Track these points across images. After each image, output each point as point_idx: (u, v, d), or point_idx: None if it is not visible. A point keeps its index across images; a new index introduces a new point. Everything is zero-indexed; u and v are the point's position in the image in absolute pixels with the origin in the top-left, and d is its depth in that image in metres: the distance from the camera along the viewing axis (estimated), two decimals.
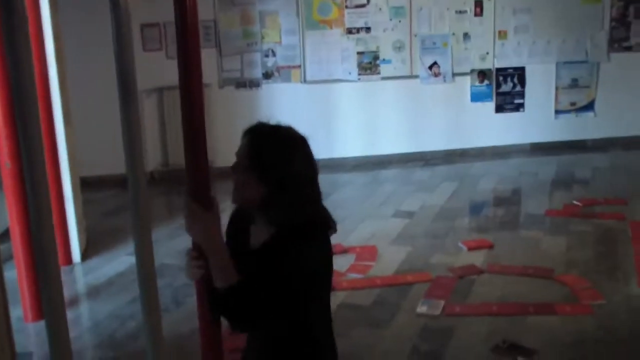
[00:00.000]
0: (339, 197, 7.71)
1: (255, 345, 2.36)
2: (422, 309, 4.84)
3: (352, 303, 5.00)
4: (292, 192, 2.14)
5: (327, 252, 2.24)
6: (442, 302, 4.92)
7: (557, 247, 6.03)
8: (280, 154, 2.15)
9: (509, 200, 7.72)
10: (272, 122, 2.25)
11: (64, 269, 5.83)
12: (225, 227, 2.29)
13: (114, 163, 6.88)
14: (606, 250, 5.96)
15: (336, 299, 5.05)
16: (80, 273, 5.88)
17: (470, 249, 6.01)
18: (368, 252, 5.96)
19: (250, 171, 2.15)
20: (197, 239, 2.14)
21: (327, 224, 2.24)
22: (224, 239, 2.21)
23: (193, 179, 2.18)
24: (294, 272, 2.10)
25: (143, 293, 2.73)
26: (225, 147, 9.05)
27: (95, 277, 5.72)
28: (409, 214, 7.10)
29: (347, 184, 8.44)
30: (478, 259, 5.77)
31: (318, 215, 2.23)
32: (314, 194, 2.23)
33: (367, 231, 6.50)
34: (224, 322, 2.13)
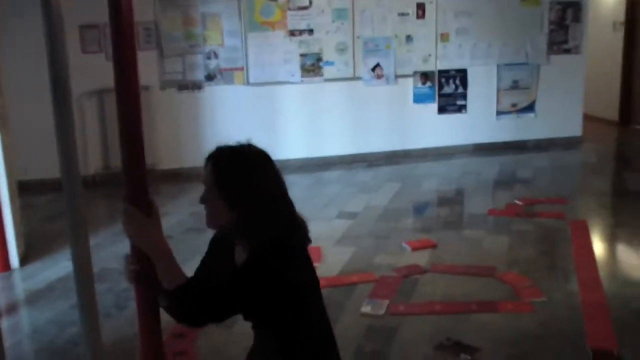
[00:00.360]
0: None
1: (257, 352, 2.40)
2: (366, 308, 4.84)
3: None
4: (262, 211, 2.17)
5: (304, 265, 2.26)
6: (386, 302, 4.93)
7: (499, 246, 6.11)
8: (244, 177, 2.17)
9: (452, 201, 7.80)
10: (232, 142, 2.26)
11: (1, 275, 5.70)
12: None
13: (54, 166, 6.74)
14: (547, 248, 6.07)
15: None
16: (19, 279, 5.73)
17: (414, 249, 6.04)
18: (312, 253, 5.85)
19: (218, 199, 2.16)
20: (136, 242, 2.12)
21: (302, 236, 2.27)
22: (167, 241, 2.18)
23: (130, 182, 2.14)
24: (266, 285, 2.11)
25: (81, 299, 2.67)
26: (168, 149, 9.00)
27: (35, 282, 5.58)
28: (353, 215, 7.11)
29: (290, 185, 8.22)
30: (422, 258, 5.81)
31: (292, 228, 2.24)
32: (285, 207, 2.25)
33: (311, 232, 6.45)
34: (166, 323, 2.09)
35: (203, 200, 2.22)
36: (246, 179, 2.17)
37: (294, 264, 2.20)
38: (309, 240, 2.31)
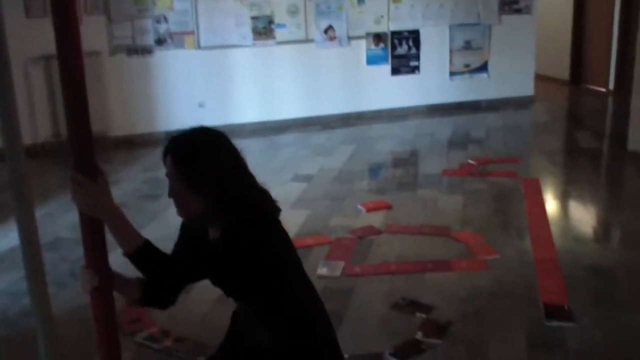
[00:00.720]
0: None
1: (247, 322, 2.43)
2: (322, 270, 4.85)
3: None
4: (230, 191, 2.17)
5: (280, 236, 2.28)
6: (342, 264, 4.95)
7: (453, 206, 6.16)
8: (206, 163, 2.15)
9: (406, 162, 7.83)
10: (186, 129, 2.24)
11: None
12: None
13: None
14: (500, 207, 6.14)
15: None
16: None
17: (369, 210, 6.06)
18: None
19: (185, 189, 2.15)
20: (83, 209, 2.08)
21: (272, 208, 2.29)
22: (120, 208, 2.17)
23: (76, 149, 2.09)
24: (243, 257, 2.13)
25: (28, 269, 2.60)
26: (119, 116, 8.86)
27: None
28: (308, 178, 7.10)
29: (245, 150, 8.19)
30: (377, 219, 5.84)
31: (261, 202, 2.25)
32: (250, 182, 2.26)
33: None
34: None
35: (171, 194, 2.21)
36: (208, 164, 2.15)
37: (271, 235, 2.22)
38: (278, 209, 2.33)
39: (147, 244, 2.10)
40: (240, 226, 2.14)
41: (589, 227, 5.68)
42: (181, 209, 2.22)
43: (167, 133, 8.40)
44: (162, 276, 2.14)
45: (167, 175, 2.19)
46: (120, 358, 2.31)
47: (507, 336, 3.95)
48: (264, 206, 2.26)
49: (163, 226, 5.64)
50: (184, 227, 2.43)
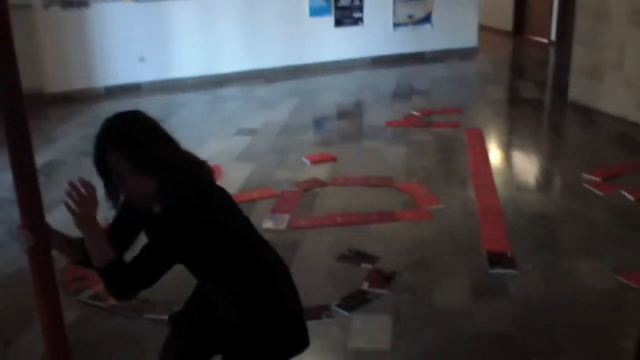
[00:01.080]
0: (179, 118, 7.50)
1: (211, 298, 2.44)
2: (267, 224, 4.83)
3: None
4: (178, 164, 2.20)
5: (223, 204, 2.36)
6: (287, 216, 4.93)
7: (398, 157, 6.17)
8: (148, 143, 2.17)
9: (350, 114, 7.80)
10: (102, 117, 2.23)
11: None
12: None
13: None
14: (444, 157, 6.17)
15: None
16: None
17: (313, 162, 6.04)
18: None
19: (131, 174, 2.14)
20: (77, 222, 2.12)
21: (207, 174, 2.32)
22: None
23: (7, 105, 2.00)
24: (188, 229, 2.16)
25: None
26: (56, 71, 8.60)
27: None
28: (252, 132, 7.03)
29: (186, 104, 8.21)
30: (322, 172, 5.82)
31: (197, 168, 2.29)
32: (183, 151, 2.29)
33: (211, 151, 6.36)
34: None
35: (116, 182, 2.18)
36: (152, 143, 2.18)
37: (210, 204, 2.24)
38: (213, 171, 2.38)
39: (117, 261, 2.14)
40: (179, 199, 2.16)
41: (531, 176, 5.76)
42: (130, 193, 2.21)
43: (107, 88, 8.15)
44: (128, 290, 2.18)
45: (113, 167, 2.15)
46: (61, 318, 2.27)
47: (452, 284, 4.00)
48: (200, 174, 2.29)
49: None
50: (124, 209, 2.40)
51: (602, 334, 3.49)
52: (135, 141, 2.15)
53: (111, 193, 2.23)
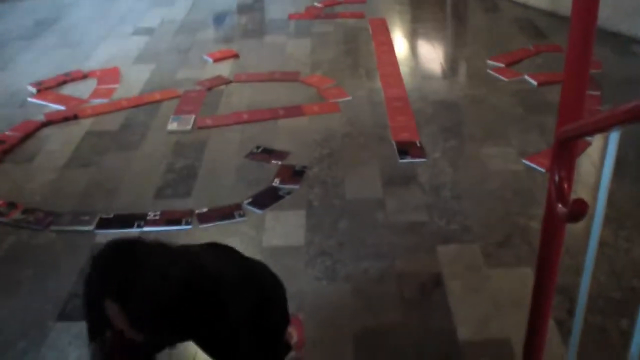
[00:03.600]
0: (69, 20, 7.04)
1: None
2: (172, 126, 4.68)
3: (99, 130, 4.71)
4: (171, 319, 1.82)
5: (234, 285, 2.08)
6: (192, 117, 4.79)
7: (302, 50, 6.05)
8: (150, 306, 1.75)
9: (251, 7, 7.55)
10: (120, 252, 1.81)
11: None
12: None
13: None
14: (348, 48, 6.08)
15: (82, 127, 4.75)
16: None
17: (215, 60, 5.85)
18: (110, 75, 5.60)
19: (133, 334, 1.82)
20: None
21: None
22: None
23: None
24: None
25: None
26: None
27: None
28: (149, 31, 6.73)
29: (75, 4, 7.73)
30: (225, 69, 5.65)
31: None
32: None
33: (106, 53, 6.08)
34: None
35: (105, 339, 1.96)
36: (153, 306, 1.75)
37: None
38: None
39: None
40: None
41: (436, 64, 5.75)
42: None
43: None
44: None
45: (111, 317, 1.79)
46: None
47: (363, 175, 4.00)
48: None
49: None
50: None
51: (510, 216, 3.58)
52: (139, 311, 1.74)
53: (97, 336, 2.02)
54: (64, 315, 2.96)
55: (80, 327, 2.85)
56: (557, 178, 1.85)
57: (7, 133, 4.62)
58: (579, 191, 3.70)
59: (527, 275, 3.06)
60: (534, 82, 5.15)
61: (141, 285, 1.72)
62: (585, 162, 4.03)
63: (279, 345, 2.30)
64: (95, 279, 1.81)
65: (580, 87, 1.84)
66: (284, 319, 2.33)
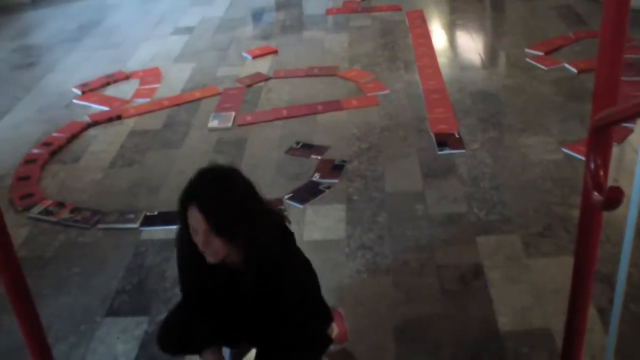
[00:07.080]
0: (111, 22, 7.18)
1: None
2: (213, 123, 4.75)
3: (142, 129, 4.80)
4: (259, 226, 2.09)
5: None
6: (232, 114, 4.86)
7: (340, 45, 6.08)
8: (238, 212, 2.04)
9: (289, 4, 7.60)
10: (209, 170, 2.13)
11: None
12: None
13: None
14: (386, 41, 6.09)
15: (125, 127, 4.85)
16: None
17: (254, 57, 5.91)
18: (151, 75, 5.70)
19: (215, 238, 2.01)
20: None
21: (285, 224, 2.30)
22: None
23: None
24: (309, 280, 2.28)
25: None
26: None
27: None
28: (189, 30, 6.82)
29: (117, 6, 7.87)
30: (264, 66, 5.71)
31: (279, 221, 2.28)
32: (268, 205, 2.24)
33: (148, 53, 6.19)
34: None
35: (203, 244, 2.05)
36: (241, 211, 2.04)
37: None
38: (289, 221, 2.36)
39: None
40: (278, 256, 2.17)
41: (474, 55, 5.73)
42: (212, 255, 2.07)
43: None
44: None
45: (193, 224, 2.03)
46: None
47: (402, 168, 4.02)
48: (281, 223, 2.30)
49: (41, 96, 5.36)
50: (182, 262, 2.33)
51: (550, 205, 3.56)
52: (222, 207, 2.02)
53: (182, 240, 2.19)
54: (111, 311, 3.04)
55: (127, 323, 2.94)
56: (592, 166, 1.85)
57: (54, 135, 4.74)
58: (622, 179, 3.66)
59: (567, 264, 3.02)
60: (574, 70, 5.11)
61: (229, 197, 2.02)
62: (628, 149, 3.99)
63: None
64: (186, 190, 2.06)
65: (613, 73, 1.84)
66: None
